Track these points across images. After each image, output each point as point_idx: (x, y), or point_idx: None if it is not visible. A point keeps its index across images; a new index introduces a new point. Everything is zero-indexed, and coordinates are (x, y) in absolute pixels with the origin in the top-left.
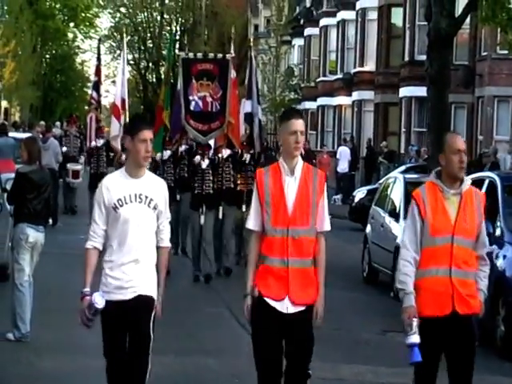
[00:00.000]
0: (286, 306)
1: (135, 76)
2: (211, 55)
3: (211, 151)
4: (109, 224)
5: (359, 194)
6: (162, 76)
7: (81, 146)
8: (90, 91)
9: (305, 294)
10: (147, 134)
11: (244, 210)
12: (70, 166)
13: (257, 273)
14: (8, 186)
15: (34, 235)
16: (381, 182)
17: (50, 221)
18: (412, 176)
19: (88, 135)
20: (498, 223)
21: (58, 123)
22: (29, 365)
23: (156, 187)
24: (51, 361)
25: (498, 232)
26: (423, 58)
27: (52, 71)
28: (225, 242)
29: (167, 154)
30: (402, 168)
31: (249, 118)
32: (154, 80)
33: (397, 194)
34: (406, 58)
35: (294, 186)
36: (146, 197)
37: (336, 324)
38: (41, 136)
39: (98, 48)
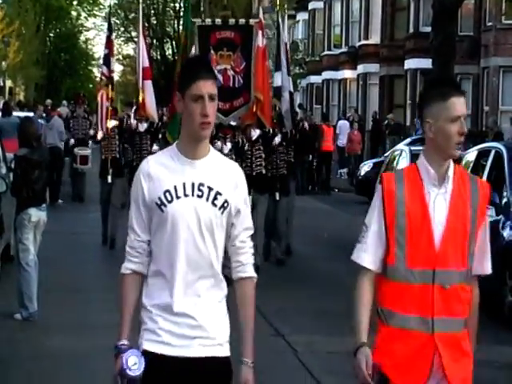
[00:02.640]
0: None
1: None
2: (232, 21)
3: (235, 134)
4: (152, 232)
5: (365, 167)
6: (167, 53)
7: (90, 127)
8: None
9: (462, 371)
10: (205, 87)
11: (278, 198)
12: (78, 151)
13: (377, 341)
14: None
15: (36, 214)
16: (387, 154)
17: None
18: (418, 148)
19: (100, 116)
20: (505, 193)
21: (64, 102)
22: (38, 343)
23: (227, 175)
24: (59, 340)
25: (504, 203)
26: (428, 29)
27: (56, 50)
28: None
29: None
30: (408, 140)
31: (279, 92)
32: (159, 57)
33: (403, 167)
34: (411, 31)
35: (443, 203)
36: (210, 188)
37: (341, 298)
38: (44, 115)
39: (109, 17)
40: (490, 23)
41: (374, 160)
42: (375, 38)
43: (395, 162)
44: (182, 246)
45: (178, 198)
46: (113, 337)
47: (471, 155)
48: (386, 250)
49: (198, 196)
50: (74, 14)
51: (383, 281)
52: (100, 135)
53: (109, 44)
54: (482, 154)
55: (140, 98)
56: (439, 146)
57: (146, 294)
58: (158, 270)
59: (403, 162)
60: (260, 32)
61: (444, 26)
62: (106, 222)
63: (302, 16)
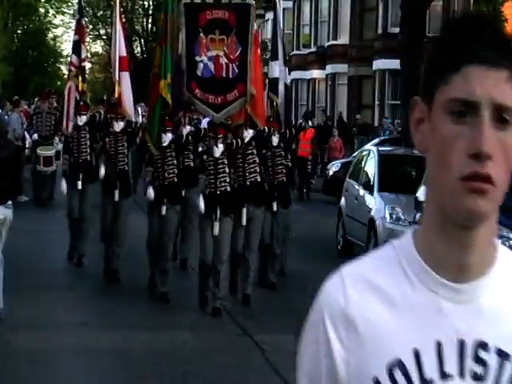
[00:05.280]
0: None
1: (108, 51)
2: None
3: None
4: None
5: (333, 167)
6: (135, 51)
7: (55, 123)
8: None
9: None
10: (486, 86)
11: (275, 209)
12: (41, 152)
13: None
14: None
15: (2, 211)
16: (355, 154)
17: None
18: (386, 148)
19: (65, 111)
20: None
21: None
22: (4, 342)
23: None
24: (26, 338)
25: None
26: (396, 30)
27: (24, 47)
28: (249, 259)
29: (168, 138)
30: (376, 141)
31: (275, 85)
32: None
33: (371, 167)
34: (380, 31)
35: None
36: (503, 355)
37: (311, 298)
38: (10, 113)
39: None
40: None
41: (343, 160)
42: (344, 38)
43: (363, 163)
44: None
45: (424, 381)
46: (79, 335)
47: None
48: None
49: (477, 378)
50: (42, 10)
51: None
52: (70, 128)
53: (79, 29)
54: None
55: (116, 92)
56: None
57: None
58: None
59: (371, 163)
60: (254, 14)
61: (412, 26)
62: (75, 235)
63: (271, 15)
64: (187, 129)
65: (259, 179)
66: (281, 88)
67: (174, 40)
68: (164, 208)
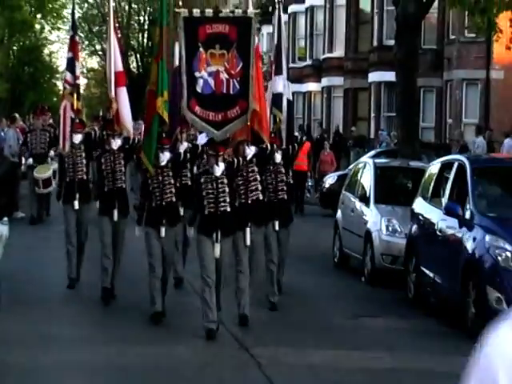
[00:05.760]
0: None
1: (104, 67)
2: (226, 12)
3: (227, 151)
4: None
5: (329, 179)
6: (131, 66)
7: (50, 140)
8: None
9: None
10: None
11: (277, 228)
12: (39, 175)
13: None
14: None
15: None
16: (351, 167)
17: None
18: (382, 161)
19: (61, 131)
20: (467, 206)
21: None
22: None
23: None
24: (21, 353)
25: (467, 215)
26: (392, 42)
27: (20, 63)
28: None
29: (165, 157)
30: (372, 153)
31: (279, 100)
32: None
33: (367, 179)
34: (375, 43)
35: None
36: None
37: (307, 309)
38: (6, 129)
39: (73, 14)
40: (453, 36)
41: (338, 173)
42: (339, 51)
43: (359, 175)
44: None
45: None
46: (75, 350)
47: (434, 167)
48: None
49: None
50: (37, 27)
51: None
52: (66, 149)
53: (73, 46)
54: (446, 167)
55: (113, 109)
56: None
57: None
58: None
59: (367, 175)
60: (255, 28)
61: (407, 39)
62: (72, 258)
63: (267, 29)
64: (184, 145)
65: (261, 197)
66: (284, 103)
67: (169, 55)
68: (163, 229)
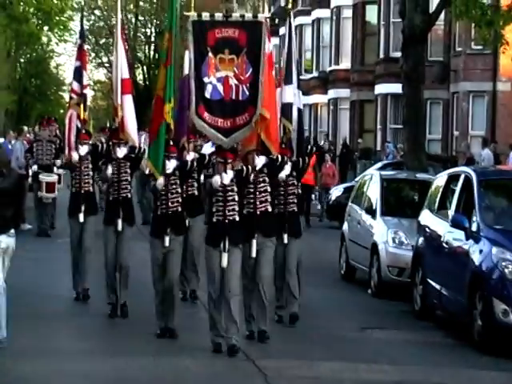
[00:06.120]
0: None
1: (111, 78)
2: (236, 16)
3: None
4: None
5: (336, 191)
6: (138, 78)
7: (56, 152)
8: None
9: None
10: None
11: (286, 241)
12: (43, 178)
13: None
14: None
15: (5, 240)
16: (357, 179)
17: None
18: (388, 173)
19: (67, 141)
20: (474, 218)
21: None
22: (6, 371)
23: None
24: (28, 366)
25: (474, 227)
26: (398, 54)
27: (27, 75)
28: (262, 294)
29: (172, 164)
30: (379, 165)
31: (289, 110)
32: None
33: (373, 191)
34: (381, 56)
35: None
36: None
37: (313, 321)
38: (13, 141)
39: (81, 21)
40: (460, 48)
41: (345, 185)
42: (346, 63)
43: (365, 187)
44: None
45: None
46: (80, 362)
47: (441, 180)
48: None
49: None
50: (44, 39)
51: None
52: (75, 157)
53: (81, 55)
54: (452, 179)
55: (119, 117)
56: None
57: None
58: None
59: (374, 187)
60: (267, 33)
61: (414, 50)
62: (78, 270)
63: (273, 41)
64: (191, 155)
65: (270, 209)
66: (294, 113)
67: (178, 60)
68: (167, 239)
